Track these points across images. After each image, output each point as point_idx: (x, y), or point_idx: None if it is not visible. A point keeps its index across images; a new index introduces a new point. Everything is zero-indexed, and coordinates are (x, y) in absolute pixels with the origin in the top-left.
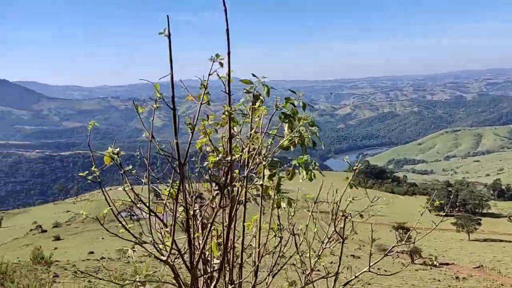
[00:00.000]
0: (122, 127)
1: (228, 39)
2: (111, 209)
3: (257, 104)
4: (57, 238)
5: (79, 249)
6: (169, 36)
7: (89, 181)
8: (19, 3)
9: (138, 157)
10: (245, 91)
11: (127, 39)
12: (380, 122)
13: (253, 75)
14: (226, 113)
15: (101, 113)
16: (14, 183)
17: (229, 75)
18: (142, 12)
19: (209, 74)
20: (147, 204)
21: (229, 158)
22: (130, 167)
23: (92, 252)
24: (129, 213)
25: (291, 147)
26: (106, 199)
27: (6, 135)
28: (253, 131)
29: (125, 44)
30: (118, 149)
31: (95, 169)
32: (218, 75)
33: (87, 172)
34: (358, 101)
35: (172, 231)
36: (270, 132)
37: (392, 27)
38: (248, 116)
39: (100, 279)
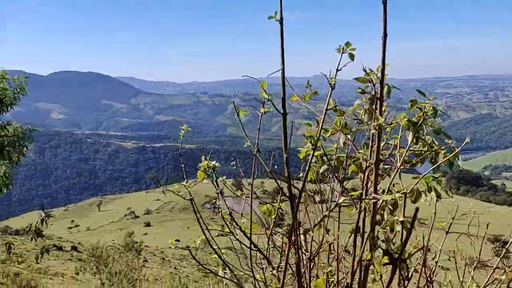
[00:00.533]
0: (209, 122)
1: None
2: (189, 200)
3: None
4: (148, 225)
5: (167, 236)
6: (281, 20)
7: (177, 173)
8: (127, 6)
9: (222, 151)
10: (359, 91)
11: (213, 38)
12: (477, 125)
13: (369, 70)
14: (339, 117)
15: (190, 108)
16: (112, 171)
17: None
18: (228, 13)
19: (337, 70)
20: (247, 235)
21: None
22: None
23: (178, 240)
24: (212, 206)
25: (419, 163)
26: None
27: (107, 126)
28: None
29: (212, 42)
30: (214, 162)
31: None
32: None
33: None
34: (452, 101)
35: (282, 281)
36: (390, 143)
37: (493, 20)
38: (366, 122)
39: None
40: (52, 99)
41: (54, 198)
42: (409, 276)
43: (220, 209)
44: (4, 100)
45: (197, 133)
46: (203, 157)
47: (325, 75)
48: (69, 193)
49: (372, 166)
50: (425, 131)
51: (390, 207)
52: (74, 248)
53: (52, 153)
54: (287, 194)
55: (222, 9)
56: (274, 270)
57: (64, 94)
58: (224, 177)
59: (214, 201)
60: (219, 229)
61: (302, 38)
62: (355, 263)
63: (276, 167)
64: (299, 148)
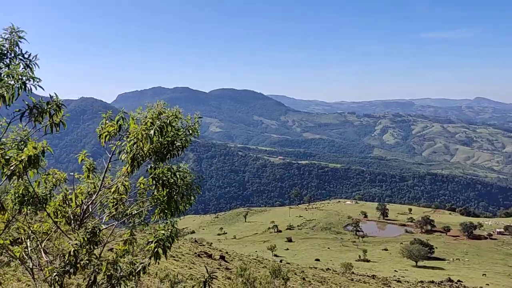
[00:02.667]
0: (355, 142)
1: None
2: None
3: None
4: (289, 240)
5: (307, 254)
6: None
7: (320, 191)
8: (277, 32)
9: (367, 173)
10: None
11: (367, 58)
12: None
13: None
14: None
15: (336, 127)
16: (259, 183)
17: None
18: (385, 32)
19: None
20: None
21: None
22: None
23: (318, 260)
24: (354, 228)
25: None
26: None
27: (257, 140)
28: None
29: (365, 61)
30: None
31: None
32: None
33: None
34: None
35: None
36: None
37: None
38: None
39: None
40: (211, 114)
41: (207, 205)
42: None
43: (363, 233)
44: (175, 143)
45: (342, 153)
46: None
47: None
48: (219, 201)
49: None
50: None
51: None
52: (222, 257)
53: (208, 162)
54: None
55: (381, 29)
56: None
57: (221, 109)
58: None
59: (356, 223)
60: (360, 254)
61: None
62: None
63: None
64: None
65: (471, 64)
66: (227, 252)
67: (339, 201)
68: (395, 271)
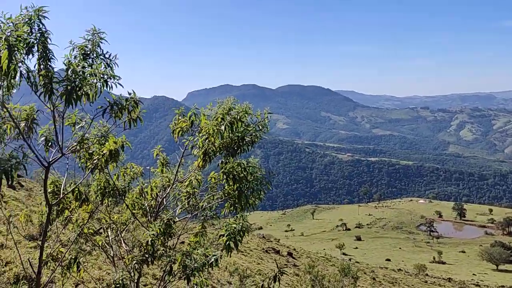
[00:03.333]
0: (429, 138)
1: None
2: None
3: None
4: (358, 239)
5: (377, 253)
6: None
7: (390, 189)
8: (345, 25)
9: (442, 171)
10: None
11: (440, 49)
12: None
13: None
14: None
15: (408, 123)
16: (327, 181)
17: None
18: (463, 20)
19: None
20: None
21: None
22: None
23: (388, 260)
24: (428, 228)
25: None
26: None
27: (325, 137)
28: None
29: (438, 53)
30: None
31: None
32: None
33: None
34: None
35: None
36: None
37: None
38: None
39: None
40: (278, 110)
41: (274, 201)
42: None
43: (437, 233)
44: (245, 138)
45: (414, 150)
46: None
47: None
48: (287, 197)
49: None
50: None
51: None
52: (289, 254)
53: (275, 159)
54: None
55: (458, 18)
56: None
57: (288, 105)
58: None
59: (430, 223)
60: (435, 256)
61: None
62: None
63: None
64: None
65: None
66: (294, 249)
67: (411, 200)
68: (474, 274)
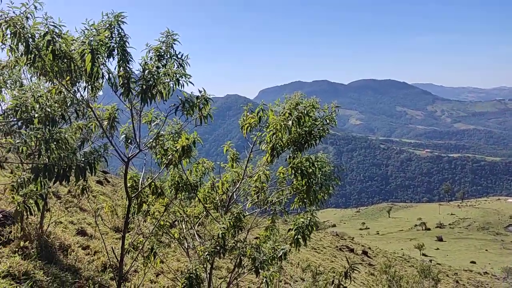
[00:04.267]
0: None
1: None
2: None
3: None
4: (440, 239)
5: (461, 255)
6: None
7: (475, 187)
8: (423, 15)
9: None
10: None
11: None
12: None
13: None
14: None
15: (495, 116)
16: (403, 178)
17: None
18: None
19: None
20: None
21: None
22: None
23: (473, 262)
24: None
25: None
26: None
27: (401, 133)
28: None
29: None
30: None
31: None
32: None
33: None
34: None
35: None
36: None
37: None
38: None
39: None
40: (351, 106)
41: (348, 199)
42: None
43: None
44: (312, 132)
45: (502, 145)
46: None
47: None
48: (361, 195)
49: None
50: None
51: None
52: (364, 252)
53: (348, 156)
54: None
55: None
56: None
57: (361, 101)
58: None
59: None
60: None
61: None
62: None
63: None
64: None
65: None
66: (369, 248)
67: (498, 199)
68: None
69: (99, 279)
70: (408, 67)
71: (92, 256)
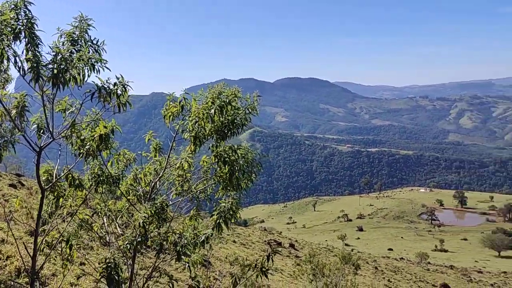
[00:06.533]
0: (428, 127)
1: None
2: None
3: None
4: (360, 229)
5: (379, 243)
6: None
7: (391, 179)
8: (342, 17)
9: (442, 159)
10: None
11: (439, 38)
12: None
13: None
14: None
15: (407, 113)
16: (327, 172)
17: None
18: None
19: None
20: None
21: None
22: None
23: (391, 249)
24: (430, 217)
25: None
26: None
27: (324, 129)
28: None
29: (437, 41)
30: None
31: None
32: None
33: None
34: None
35: None
36: None
37: None
38: None
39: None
40: (277, 103)
41: (275, 194)
42: None
43: (439, 222)
44: (235, 121)
45: (414, 139)
46: None
47: None
48: (288, 190)
49: None
50: None
51: None
52: (291, 245)
53: (275, 152)
54: None
55: (454, 6)
56: None
57: (287, 98)
58: None
59: (432, 212)
60: (437, 244)
61: None
62: None
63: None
64: None
65: None
66: (296, 241)
67: (412, 189)
68: (476, 261)
69: (12, 283)
70: (330, 66)
71: (4, 262)
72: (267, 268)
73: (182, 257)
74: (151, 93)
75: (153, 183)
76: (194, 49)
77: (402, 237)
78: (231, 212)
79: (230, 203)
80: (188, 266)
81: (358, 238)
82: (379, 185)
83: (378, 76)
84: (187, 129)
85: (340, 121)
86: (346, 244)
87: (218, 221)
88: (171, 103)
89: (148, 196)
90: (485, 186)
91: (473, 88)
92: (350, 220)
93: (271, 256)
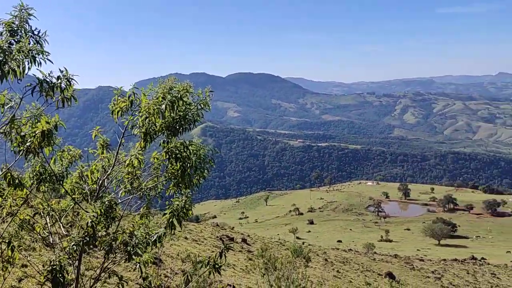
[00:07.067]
0: (375, 123)
1: None
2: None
3: None
4: (311, 222)
5: (329, 235)
6: None
7: (341, 173)
8: (294, 13)
9: (388, 153)
10: None
11: (385, 36)
12: None
13: None
14: None
15: (356, 108)
16: (279, 167)
17: None
18: (403, 10)
19: None
20: None
21: None
22: None
23: (340, 241)
24: (376, 209)
25: None
26: None
27: (276, 124)
28: None
29: (383, 40)
30: None
31: None
32: None
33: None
34: None
35: None
36: None
37: None
38: None
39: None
40: (229, 98)
41: (227, 190)
42: None
43: (385, 213)
44: (187, 117)
45: (362, 134)
46: None
47: None
48: (240, 185)
49: None
50: None
51: None
52: (244, 240)
53: (228, 148)
54: None
55: (398, 6)
56: None
57: (239, 93)
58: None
59: (378, 204)
60: (382, 234)
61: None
62: None
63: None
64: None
65: (492, 39)
66: (249, 235)
67: (360, 183)
68: (418, 250)
69: None
70: (281, 62)
71: None
72: (220, 264)
73: (133, 257)
74: (97, 86)
75: (100, 181)
76: (143, 42)
77: (350, 229)
78: (184, 210)
79: (183, 201)
80: (139, 266)
81: (309, 231)
82: (329, 179)
83: (328, 72)
84: (137, 125)
85: (292, 116)
86: (298, 238)
87: (171, 219)
88: (119, 97)
89: (96, 194)
90: (427, 179)
91: (416, 85)
92: (302, 214)
93: (224, 253)
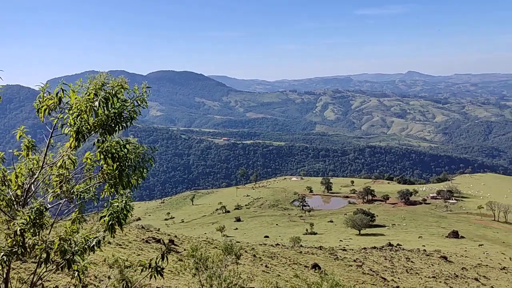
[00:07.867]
0: (297, 120)
1: None
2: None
3: None
4: (238, 220)
5: (256, 231)
6: None
7: (266, 169)
8: (215, 11)
9: (310, 149)
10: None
11: (305, 35)
12: None
13: None
14: None
15: (279, 106)
16: (204, 166)
17: None
18: (319, 11)
19: None
20: None
21: None
22: None
23: (267, 236)
24: (301, 203)
25: None
26: None
27: (200, 123)
28: None
29: (303, 39)
30: None
31: None
32: None
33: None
34: None
35: None
36: None
37: None
38: None
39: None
40: (151, 97)
41: (152, 191)
42: None
43: (309, 207)
44: (123, 114)
45: (286, 131)
46: None
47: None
48: (165, 186)
49: None
50: None
51: None
52: (171, 241)
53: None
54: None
55: (318, 7)
56: None
57: (161, 92)
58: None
59: (303, 198)
60: (307, 228)
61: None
62: None
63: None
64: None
65: (403, 40)
66: (176, 236)
67: (285, 178)
68: (340, 240)
69: None
70: (204, 59)
71: None
72: (162, 267)
73: (72, 264)
74: (5, 85)
75: (27, 185)
76: (51, 37)
77: (277, 224)
78: (125, 212)
79: (123, 202)
80: (78, 274)
81: (236, 229)
82: (254, 176)
83: (251, 70)
84: (68, 123)
85: (216, 114)
86: (225, 235)
87: (110, 222)
88: (45, 95)
89: (23, 200)
90: (347, 172)
91: (335, 83)
92: (228, 212)
93: (165, 255)
